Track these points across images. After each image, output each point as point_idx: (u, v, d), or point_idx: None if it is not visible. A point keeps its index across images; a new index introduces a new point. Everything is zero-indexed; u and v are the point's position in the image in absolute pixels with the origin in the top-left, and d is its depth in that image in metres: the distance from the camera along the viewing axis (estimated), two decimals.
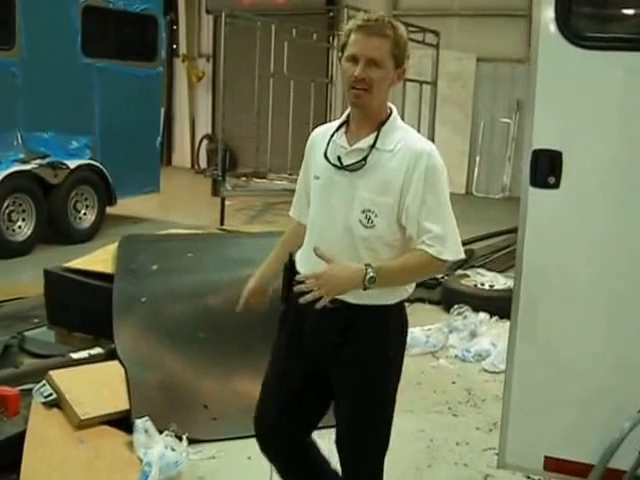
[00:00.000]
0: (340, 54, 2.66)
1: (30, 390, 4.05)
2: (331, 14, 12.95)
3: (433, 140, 14.04)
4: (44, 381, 4.07)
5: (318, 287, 2.46)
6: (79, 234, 9.10)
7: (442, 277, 6.86)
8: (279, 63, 11.40)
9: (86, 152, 9.26)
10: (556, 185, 2.89)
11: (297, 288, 2.52)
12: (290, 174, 11.59)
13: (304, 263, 2.73)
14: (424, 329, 5.89)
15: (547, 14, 2.84)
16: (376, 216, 2.58)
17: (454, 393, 5.07)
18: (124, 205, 10.02)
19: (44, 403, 3.95)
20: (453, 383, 5.26)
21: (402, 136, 2.63)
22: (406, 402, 4.82)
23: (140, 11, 9.88)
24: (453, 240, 2.59)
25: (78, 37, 9.03)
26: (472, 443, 4.31)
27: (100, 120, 9.41)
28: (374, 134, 2.63)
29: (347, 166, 2.62)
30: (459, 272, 7.21)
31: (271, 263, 3.01)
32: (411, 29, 14.04)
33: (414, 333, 5.65)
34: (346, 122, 2.73)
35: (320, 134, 2.80)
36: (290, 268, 2.77)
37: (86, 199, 9.34)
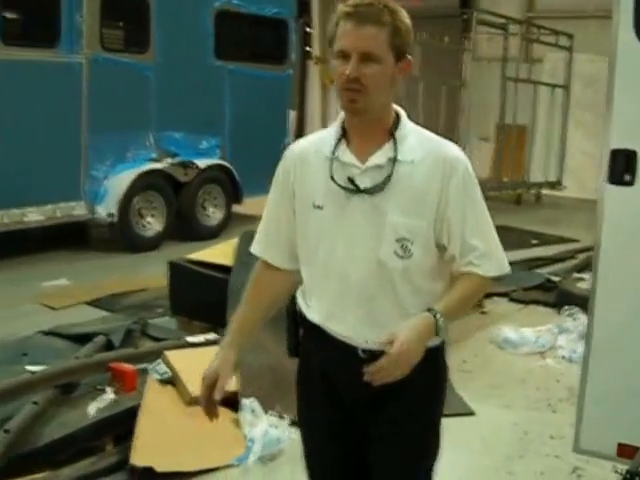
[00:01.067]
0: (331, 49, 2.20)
1: (147, 369, 4.31)
2: (464, 17, 12.88)
3: (564, 145, 13.87)
4: (160, 360, 4.30)
5: (400, 367, 2.05)
6: (206, 231, 9.37)
7: (558, 280, 6.82)
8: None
9: (216, 152, 9.56)
10: (631, 182, 3.03)
11: (366, 378, 2.04)
12: None
13: (325, 316, 2.25)
14: (535, 330, 5.93)
15: (625, 19, 2.99)
16: (412, 243, 2.15)
17: (556, 391, 5.09)
18: (250, 204, 10.28)
19: (159, 380, 4.20)
20: (557, 382, 5.27)
21: (419, 141, 2.20)
22: (507, 398, 4.89)
23: (271, 15, 10.10)
24: (498, 254, 2.24)
25: (211, 41, 9.34)
26: (567, 437, 4.26)
27: (230, 121, 9.70)
28: (389, 144, 2.17)
29: (368, 189, 2.15)
30: (575, 275, 7.15)
31: (242, 327, 2.35)
32: (543, 32, 13.93)
33: (524, 333, 5.76)
34: (343, 134, 2.23)
35: (309, 151, 2.28)
36: (294, 314, 2.32)
37: (214, 198, 9.62)
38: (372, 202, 2.15)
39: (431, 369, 2.24)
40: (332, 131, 2.25)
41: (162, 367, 4.27)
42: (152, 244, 8.71)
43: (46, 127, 7.80)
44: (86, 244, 8.90)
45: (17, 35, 7.86)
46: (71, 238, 8.71)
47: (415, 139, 2.20)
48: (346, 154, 2.19)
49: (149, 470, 3.51)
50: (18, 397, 3.85)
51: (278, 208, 2.32)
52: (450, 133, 11.79)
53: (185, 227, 9.24)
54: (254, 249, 2.38)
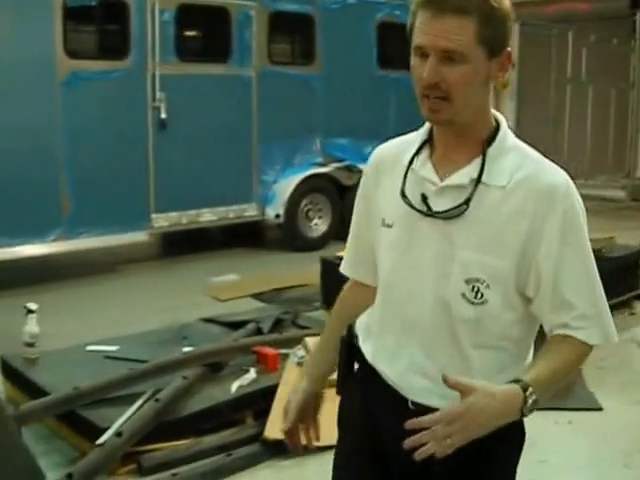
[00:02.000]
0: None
1: (289, 354, 4.73)
2: (635, 17, 12.62)
3: None
4: (300, 345, 4.71)
5: (449, 434, 1.54)
6: None
7: None
8: (576, 70, 11.39)
9: None
10: None
11: (412, 440, 1.55)
12: (586, 180, 11.52)
13: (376, 352, 1.91)
14: None
15: None
16: (487, 287, 1.72)
17: None
18: None
19: (298, 363, 4.55)
20: None
21: (519, 163, 1.75)
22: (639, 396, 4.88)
23: None
24: (604, 317, 1.77)
25: (374, 51, 9.77)
26: None
27: (393, 128, 10.04)
28: (477, 161, 1.75)
29: (439, 212, 1.75)
30: None
31: (325, 356, 2.06)
32: None
33: None
34: (428, 141, 1.85)
35: (389, 157, 1.92)
36: (349, 345, 1.97)
37: None
38: (443, 229, 1.75)
39: (504, 437, 1.69)
40: (418, 136, 1.88)
41: (301, 352, 4.66)
42: (318, 244, 9.15)
43: (220, 135, 8.48)
44: (261, 244, 9.54)
45: (192, 52, 8.61)
46: (248, 238, 9.36)
47: (513, 159, 1.75)
48: (425, 166, 1.81)
49: (280, 442, 3.75)
50: (171, 372, 4.34)
51: (362, 221, 2.00)
52: (622, 136, 11.61)
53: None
54: (344, 269, 2.08)
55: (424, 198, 1.78)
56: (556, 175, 1.75)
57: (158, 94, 7.84)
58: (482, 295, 1.73)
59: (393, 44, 10.00)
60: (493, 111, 1.81)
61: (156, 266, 8.31)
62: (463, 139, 1.78)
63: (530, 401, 1.60)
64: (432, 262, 1.77)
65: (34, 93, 7.11)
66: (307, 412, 2.03)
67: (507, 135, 1.80)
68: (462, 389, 1.57)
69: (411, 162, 1.84)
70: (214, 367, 4.57)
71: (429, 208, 1.77)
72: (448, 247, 1.75)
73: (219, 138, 8.46)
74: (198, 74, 8.19)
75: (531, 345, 1.86)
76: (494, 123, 1.80)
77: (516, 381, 1.62)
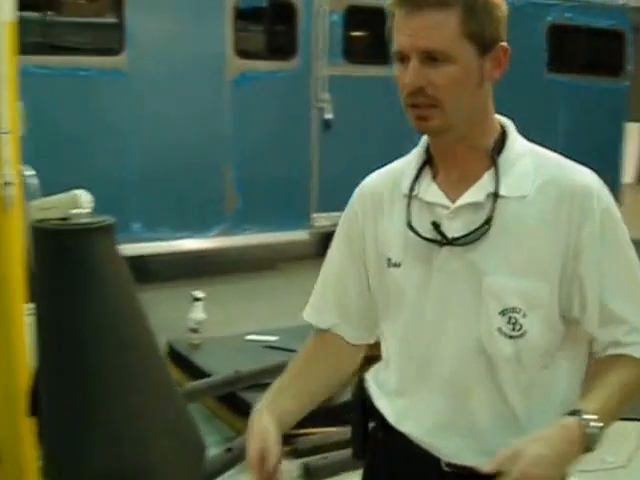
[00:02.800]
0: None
1: None
2: None
3: None
4: None
5: None
6: None
7: None
8: None
9: None
10: None
11: None
12: None
13: (398, 411, 1.66)
14: None
15: None
16: (525, 316, 1.49)
17: None
18: None
19: None
20: None
21: (535, 166, 1.54)
22: None
23: (606, 27, 10.04)
24: None
25: (543, 54, 9.50)
26: None
27: (563, 133, 9.74)
28: (489, 173, 1.53)
29: (457, 239, 1.52)
30: None
31: (285, 398, 1.75)
32: None
33: None
34: (428, 162, 1.62)
35: (383, 190, 1.68)
36: (363, 406, 1.74)
37: None
38: (466, 257, 1.52)
39: None
40: (414, 158, 1.65)
41: None
42: None
43: (383, 136, 8.44)
44: None
45: (358, 53, 8.64)
46: None
47: (529, 164, 1.54)
48: (430, 189, 1.58)
49: None
50: None
51: (342, 263, 1.76)
52: None
53: None
54: (307, 315, 1.81)
55: (437, 226, 1.53)
56: (583, 174, 1.53)
57: (323, 95, 7.92)
58: (520, 326, 1.49)
59: (564, 47, 9.78)
60: (497, 116, 1.59)
61: (315, 265, 8.34)
62: (467, 151, 1.55)
63: (595, 434, 1.39)
64: (457, 298, 1.53)
65: (205, 91, 7.34)
66: (269, 457, 1.63)
67: (517, 139, 1.58)
68: (514, 452, 1.36)
69: (412, 189, 1.59)
70: (369, 360, 4.54)
71: (444, 236, 1.53)
72: (474, 277, 1.51)
73: (382, 139, 8.44)
74: (363, 76, 8.21)
75: (581, 371, 1.60)
76: (499, 129, 1.58)
77: (573, 413, 1.41)
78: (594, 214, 1.49)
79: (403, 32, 1.46)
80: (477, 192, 1.52)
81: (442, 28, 1.43)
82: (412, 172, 1.62)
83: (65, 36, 7.09)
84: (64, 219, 3.08)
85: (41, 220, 3.13)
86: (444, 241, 1.53)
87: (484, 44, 1.47)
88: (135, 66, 6.88)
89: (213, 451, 3.79)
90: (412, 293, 1.59)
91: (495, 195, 1.50)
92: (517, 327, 1.49)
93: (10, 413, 3.62)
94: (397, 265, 1.60)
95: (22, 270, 3.54)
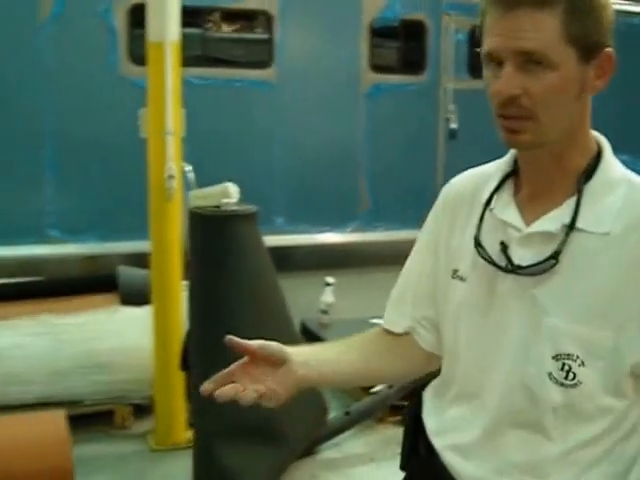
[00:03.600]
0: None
1: None
2: None
3: None
4: None
5: None
6: None
7: None
8: None
9: None
10: None
11: None
12: None
13: (444, 439, 1.53)
14: None
15: None
16: (581, 365, 1.32)
17: None
18: None
19: None
20: None
21: (628, 198, 1.35)
22: None
23: None
24: None
25: None
26: None
27: None
28: (571, 200, 1.36)
29: (522, 268, 1.37)
30: None
31: (324, 353, 1.60)
32: None
33: None
34: (512, 174, 1.49)
35: (466, 193, 1.56)
36: (416, 417, 1.63)
37: None
38: (529, 289, 1.37)
39: None
40: (501, 166, 1.53)
41: None
42: None
43: (503, 144, 8.94)
44: None
45: (481, 68, 9.14)
46: None
47: (621, 196, 1.34)
48: (508, 206, 1.44)
49: None
50: None
51: (423, 264, 1.63)
52: None
53: None
54: (386, 320, 1.71)
55: (504, 248, 1.39)
56: None
57: (450, 106, 8.55)
58: (574, 375, 1.32)
59: None
60: (595, 133, 1.41)
61: None
62: (556, 171, 1.38)
63: None
64: (513, 332, 1.38)
65: (342, 101, 8.10)
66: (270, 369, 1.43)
67: (612, 164, 1.39)
68: None
69: (489, 201, 1.46)
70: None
71: (510, 262, 1.38)
72: (534, 313, 1.36)
73: (502, 149, 8.92)
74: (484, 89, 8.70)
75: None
76: (595, 149, 1.39)
77: None
78: None
79: (496, 32, 1.30)
80: (552, 220, 1.36)
81: (541, 29, 1.26)
82: (494, 182, 1.49)
83: (222, 50, 8.00)
84: (216, 207, 3.77)
85: (197, 207, 3.81)
86: (509, 267, 1.38)
87: (588, 49, 1.29)
88: (282, 78, 7.71)
89: (334, 414, 4.31)
90: (469, 315, 1.46)
91: (570, 227, 1.33)
92: (571, 377, 1.32)
93: (165, 369, 4.24)
94: (462, 279, 1.49)
95: (180, 250, 4.19)
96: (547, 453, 1.38)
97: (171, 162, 4.06)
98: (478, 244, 1.44)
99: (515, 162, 1.50)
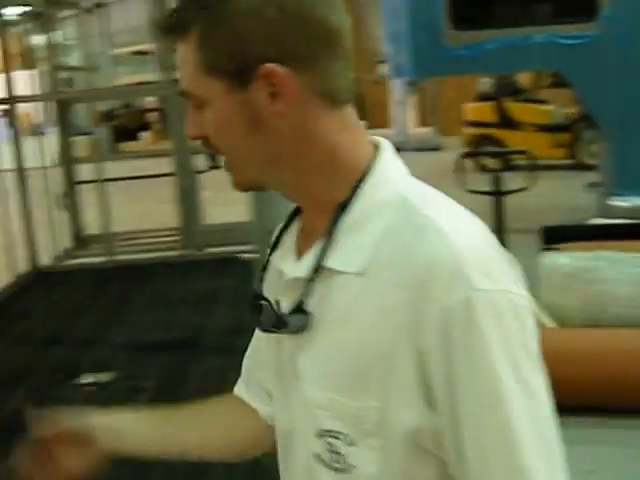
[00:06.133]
0: None
1: None
2: None
3: None
4: None
5: None
6: None
7: None
8: None
9: None
10: None
11: None
12: None
13: None
14: None
15: None
16: (351, 444, 1.03)
17: None
18: None
19: None
20: None
21: (394, 225, 1.03)
22: None
23: None
24: None
25: None
26: None
27: None
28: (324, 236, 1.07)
29: (285, 325, 1.08)
30: None
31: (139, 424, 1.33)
32: None
33: None
34: (299, 212, 1.19)
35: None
36: None
37: None
38: (293, 351, 1.12)
39: None
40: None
41: None
42: None
43: None
44: None
45: None
46: None
47: (386, 221, 1.04)
48: (286, 250, 1.16)
49: None
50: None
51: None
52: None
53: None
54: (238, 386, 1.39)
55: (277, 302, 1.11)
56: (448, 241, 0.98)
57: None
58: (342, 457, 1.04)
59: None
60: (377, 141, 1.11)
61: None
62: (312, 207, 1.12)
63: None
64: (294, 405, 1.14)
65: None
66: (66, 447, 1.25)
67: (383, 182, 1.07)
68: None
69: (276, 243, 1.19)
70: None
71: (281, 319, 1.08)
72: (295, 381, 1.11)
73: None
74: None
75: None
76: (361, 168, 1.07)
77: None
78: (450, 311, 0.95)
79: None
80: (305, 263, 1.08)
81: (184, 64, 1.07)
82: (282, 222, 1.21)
83: None
84: None
85: None
86: (278, 326, 1.08)
87: (235, 74, 1.03)
88: None
89: None
90: (274, 380, 1.22)
91: (316, 269, 1.05)
92: (338, 459, 1.04)
93: None
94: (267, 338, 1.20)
95: None
96: None
97: None
98: (255, 297, 1.15)
99: None
